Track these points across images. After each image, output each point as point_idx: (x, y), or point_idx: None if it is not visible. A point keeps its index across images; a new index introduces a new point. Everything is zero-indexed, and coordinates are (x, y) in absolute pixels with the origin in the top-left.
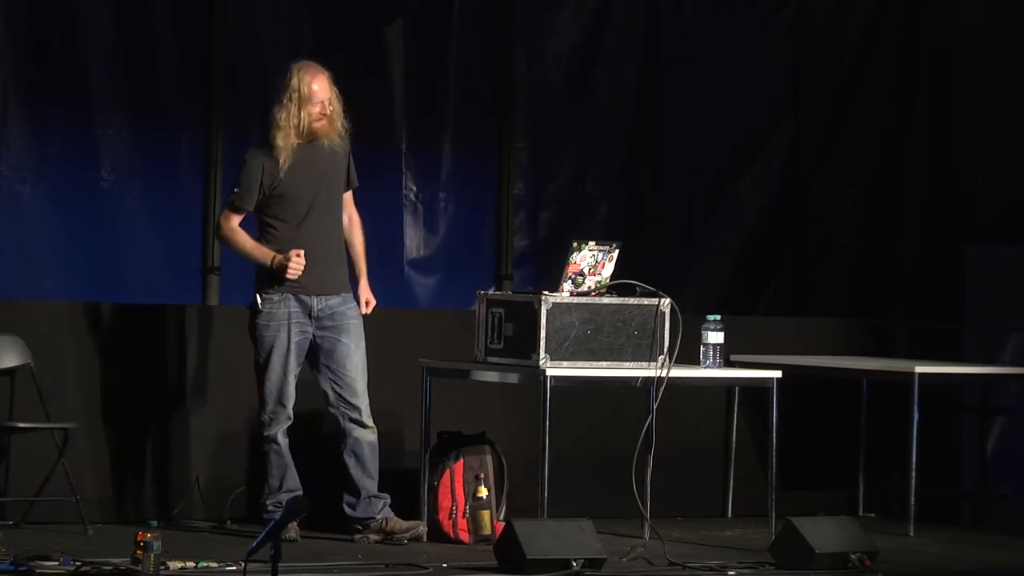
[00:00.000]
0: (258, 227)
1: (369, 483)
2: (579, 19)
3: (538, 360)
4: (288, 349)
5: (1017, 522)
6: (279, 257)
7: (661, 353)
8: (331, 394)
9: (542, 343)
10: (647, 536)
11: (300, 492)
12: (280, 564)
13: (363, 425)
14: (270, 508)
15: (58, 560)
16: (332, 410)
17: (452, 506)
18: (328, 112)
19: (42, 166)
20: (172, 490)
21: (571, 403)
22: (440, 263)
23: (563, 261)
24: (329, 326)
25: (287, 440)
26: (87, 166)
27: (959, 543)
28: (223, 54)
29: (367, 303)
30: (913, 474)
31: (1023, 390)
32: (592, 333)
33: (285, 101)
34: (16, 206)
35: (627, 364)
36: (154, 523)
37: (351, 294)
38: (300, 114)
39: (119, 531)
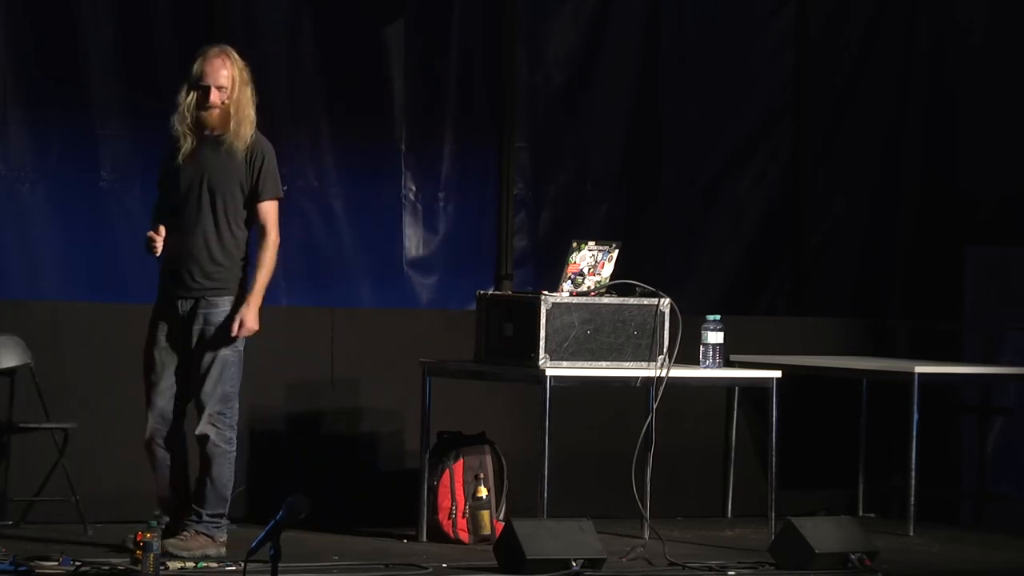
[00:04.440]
0: None
1: (194, 490)
2: (579, 19)
3: (538, 360)
4: (154, 354)
5: (1017, 522)
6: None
7: (661, 353)
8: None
9: (542, 343)
10: (647, 536)
11: (167, 500)
12: (280, 564)
13: (198, 434)
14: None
15: (58, 560)
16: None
17: (452, 506)
18: (218, 103)
19: (42, 166)
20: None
21: (571, 403)
22: (440, 263)
23: (563, 261)
24: (193, 329)
25: (164, 452)
26: (87, 166)
27: (959, 543)
28: None
29: (240, 324)
30: (913, 474)
31: (1023, 390)
32: (592, 333)
33: (184, 83)
34: (16, 206)
35: (627, 364)
36: (154, 523)
37: (223, 299)
38: (189, 97)
39: (119, 531)
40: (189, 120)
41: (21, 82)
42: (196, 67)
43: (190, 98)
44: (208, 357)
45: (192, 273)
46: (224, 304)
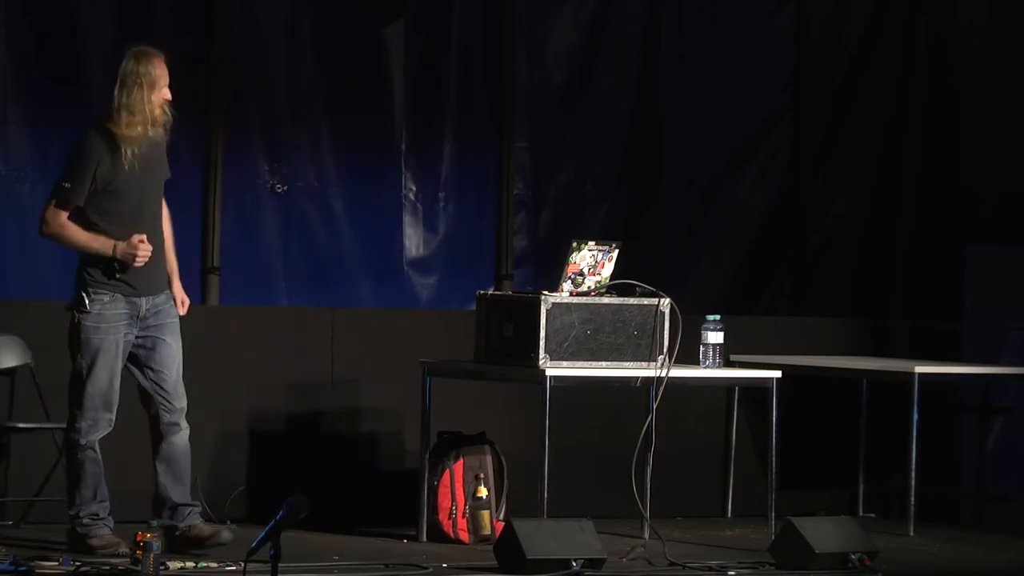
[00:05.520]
0: (81, 226)
1: (178, 491)
2: (579, 19)
3: (538, 360)
4: (116, 354)
5: (1017, 522)
6: (122, 245)
7: (661, 353)
8: (152, 395)
9: (542, 343)
10: (647, 536)
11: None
12: (280, 564)
13: (179, 428)
14: (86, 522)
15: (58, 560)
16: (150, 410)
17: (452, 506)
18: (168, 99)
19: (42, 166)
20: None
21: (571, 403)
22: (440, 263)
23: (563, 261)
24: (153, 324)
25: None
26: None
27: (959, 543)
28: (223, 54)
29: (183, 303)
30: (913, 474)
31: (1023, 390)
32: (592, 333)
33: (131, 85)
34: (16, 206)
35: (627, 364)
36: (154, 523)
37: (168, 292)
38: (151, 100)
39: (119, 531)
40: (148, 121)
41: (21, 82)
42: (147, 69)
43: (153, 100)
44: (174, 350)
45: (158, 271)
46: (171, 295)
